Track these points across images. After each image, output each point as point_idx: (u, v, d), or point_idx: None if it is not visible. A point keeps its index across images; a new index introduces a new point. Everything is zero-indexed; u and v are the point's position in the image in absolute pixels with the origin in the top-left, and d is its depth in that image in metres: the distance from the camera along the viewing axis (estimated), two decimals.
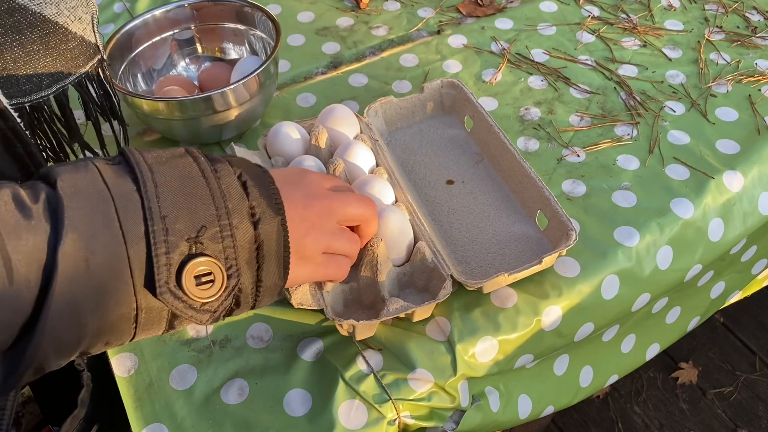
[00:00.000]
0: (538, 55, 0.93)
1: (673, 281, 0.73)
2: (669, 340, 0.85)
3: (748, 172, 0.77)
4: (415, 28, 1.00)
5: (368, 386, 0.61)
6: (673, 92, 0.87)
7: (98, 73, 0.63)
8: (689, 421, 1.41)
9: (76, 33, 0.57)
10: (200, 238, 0.42)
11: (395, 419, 0.60)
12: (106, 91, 0.66)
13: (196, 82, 0.90)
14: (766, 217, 0.77)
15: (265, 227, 0.45)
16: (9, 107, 0.47)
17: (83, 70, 0.61)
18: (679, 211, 0.73)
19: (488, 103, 0.87)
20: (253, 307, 0.47)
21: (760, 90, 0.86)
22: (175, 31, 0.89)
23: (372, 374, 0.62)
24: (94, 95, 0.65)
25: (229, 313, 0.46)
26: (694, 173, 0.77)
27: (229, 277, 0.43)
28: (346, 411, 0.60)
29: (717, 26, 0.96)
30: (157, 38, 0.88)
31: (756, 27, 0.96)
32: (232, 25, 0.90)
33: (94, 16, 0.60)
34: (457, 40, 0.96)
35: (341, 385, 0.61)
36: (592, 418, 1.42)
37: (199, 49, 0.91)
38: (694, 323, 0.87)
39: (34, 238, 0.37)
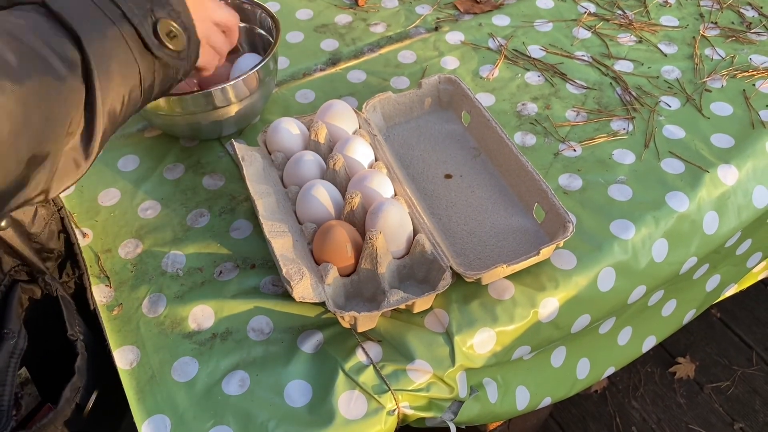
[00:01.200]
0: (535, 51, 0.94)
1: (669, 274, 0.74)
2: (665, 333, 0.86)
3: (743, 165, 0.77)
4: (413, 25, 1.00)
5: (368, 377, 0.62)
6: (669, 87, 0.88)
7: None
8: (687, 416, 1.42)
9: None
10: (154, 6, 0.54)
11: (394, 409, 0.61)
12: None
13: (194, 80, 0.90)
14: (761, 211, 0.78)
15: None
16: None
17: None
18: (675, 204, 0.74)
19: (485, 99, 0.87)
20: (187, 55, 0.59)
21: (754, 85, 0.87)
22: None
23: (371, 365, 0.63)
24: None
25: (195, 63, 0.60)
26: (689, 167, 0.77)
27: (184, 29, 0.56)
28: (346, 401, 0.61)
29: (712, 22, 0.97)
30: None
31: (750, 23, 0.97)
32: None
33: None
34: (454, 37, 0.97)
35: (341, 376, 0.62)
36: (590, 413, 1.43)
37: None
38: (689, 316, 0.88)
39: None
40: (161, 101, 0.78)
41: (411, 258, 0.68)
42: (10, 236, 0.63)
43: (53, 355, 0.65)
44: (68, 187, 0.52)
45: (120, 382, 0.63)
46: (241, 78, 0.77)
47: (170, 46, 0.55)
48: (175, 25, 0.56)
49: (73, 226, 0.72)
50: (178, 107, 0.78)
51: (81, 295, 0.69)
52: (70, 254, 0.70)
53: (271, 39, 0.85)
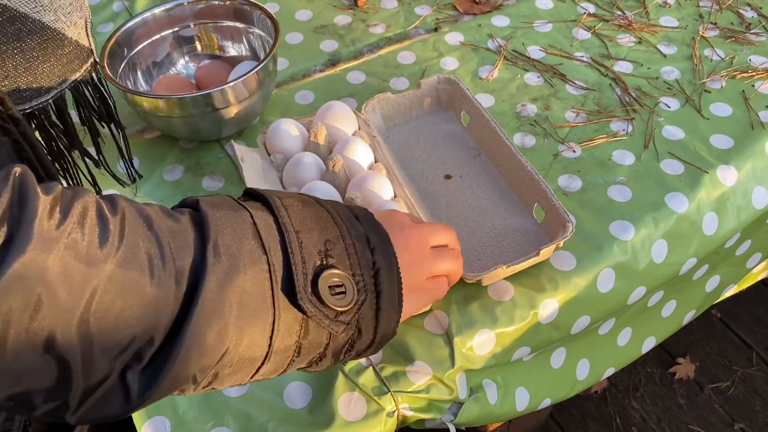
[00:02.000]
0: (534, 52, 0.94)
1: (668, 275, 0.74)
2: (665, 334, 0.86)
3: (742, 166, 0.77)
4: (413, 25, 1.00)
5: (367, 379, 0.62)
6: (668, 88, 0.88)
7: (92, 76, 0.64)
8: (687, 416, 1.42)
9: (71, 38, 0.58)
10: (329, 252, 0.45)
11: (394, 411, 0.61)
12: (101, 94, 0.66)
13: (193, 81, 0.91)
14: (760, 211, 0.78)
15: (380, 256, 0.48)
16: (17, 113, 0.48)
17: (78, 74, 0.61)
18: (674, 205, 0.74)
19: (485, 100, 0.87)
20: (372, 340, 0.49)
21: (753, 86, 0.87)
22: (175, 29, 0.89)
23: (371, 367, 0.63)
24: (90, 99, 0.65)
25: (353, 344, 0.48)
26: (689, 168, 0.77)
27: (358, 291, 0.46)
28: (346, 403, 0.61)
29: (711, 23, 0.97)
30: (157, 36, 0.88)
31: (750, 23, 0.97)
32: (231, 24, 0.90)
33: (88, 20, 0.60)
34: (454, 38, 0.97)
35: (340, 377, 0.62)
36: (590, 414, 1.43)
37: (199, 47, 0.92)
38: (689, 317, 0.88)
39: (183, 241, 0.41)
40: (160, 102, 0.78)
41: None
42: None
43: None
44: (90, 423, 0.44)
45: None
46: (241, 79, 0.77)
47: (330, 304, 0.45)
48: (349, 279, 0.46)
49: None
50: (177, 108, 0.78)
51: None
52: None
53: (270, 40, 0.85)
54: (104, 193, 0.77)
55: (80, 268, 0.35)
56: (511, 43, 0.96)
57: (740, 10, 0.99)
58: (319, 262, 0.45)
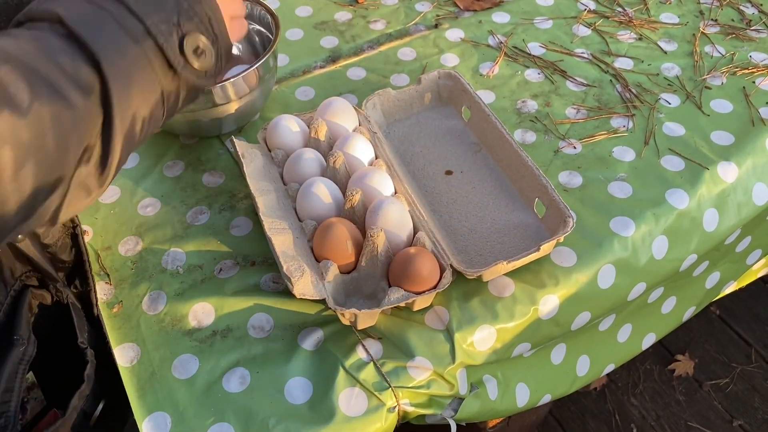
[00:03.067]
0: (535, 48, 0.94)
1: (669, 271, 0.74)
2: (665, 330, 0.86)
3: (743, 163, 0.77)
4: (413, 22, 1.00)
5: (368, 374, 0.62)
6: (669, 84, 0.88)
7: None
8: (686, 413, 1.42)
9: None
10: (180, 20, 0.50)
11: (395, 406, 0.61)
12: None
13: None
14: (760, 208, 0.78)
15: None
16: None
17: None
18: (674, 201, 0.74)
19: (485, 96, 0.87)
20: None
21: (754, 82, 0.87)
22: None
23: (372, 362, 0.63)
24: None
25: (220, 71, 0.55)
26: (689, 164, 0.77)
27: (212, 42, 0.52)
28: (347, 398, 0.61)
29: (712, 19, 0.97)
30: None
31: (750, 20, 0.97)
32: None
33: None
34: (454, 34, 0.97)
35: (341, 373, 0.62)
36: (589, 411, 1.43)
37: None
38: (689, 313, 0.88)
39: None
40: None
41: None
42: (24, 243, 0.63)
43: (60, 361, 0.65)
44: (77, 213, 0.49)
45: (124, 389, 0.63)
46: (241, 75, 0.77)
47: (196, 65, 0.51)
48: (204, 39, 0.52)
49: (85, 243, 0.71)
50: None
51: (85, 307, 0.69)
52: (80, 269, 0.69)
53: (270, 36, 0.85)
54: None
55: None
56: (512, 40, 0.95)
57: (741, 7, 0.99)
58: (177, 34, 0.50)
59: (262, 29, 0.88)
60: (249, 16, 0.89)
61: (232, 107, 0.80)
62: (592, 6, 1.01)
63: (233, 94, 0.78)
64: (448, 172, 0.78)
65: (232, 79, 0.77)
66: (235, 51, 0.91)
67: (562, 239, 0.67)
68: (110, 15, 0.47)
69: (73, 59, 0.45)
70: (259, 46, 0.90)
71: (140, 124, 0.50)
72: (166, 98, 0.51)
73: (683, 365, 1.48)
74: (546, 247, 0.66)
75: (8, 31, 0.46)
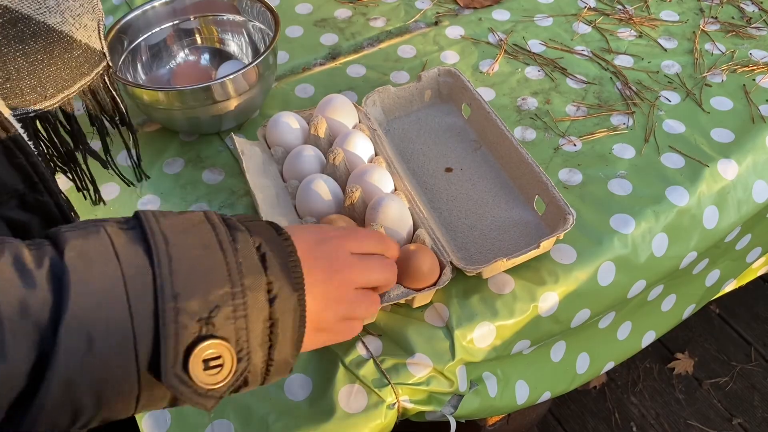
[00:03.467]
0: (535, 45, 0.94)
1: (669, 268, 0.74)
2: (664, 328, 0.86)
3: (743, 160, 0.77)
4: (413, 19, 1.00)
5: (368, 371, 0.62)
6: (669, 82, 0.88)
7: (104, 80, 0.62)
8: (685, 411, 1.42)
9: (80, 41, 0.56)
10: (212, 318, 0.39)
11: (394, 403, 0.61)
12: (112, 97, 0.65)
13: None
14: (760, 205, 0.78)
15: (281, 305, 0.42)
16: (11, 118, 0.47)
17: (88, 78, 0.60)
18: (674, 198, 0.74)
19: (485, 94, 0.87)
20: (262, 384, 0.44)
21: (754, 80, 0.87)
22: (175, 21, 0.89)
23: (371, 359, 0.63)
24: (99, 102, 0.64)
25: (236, 391, 0.43)
26: (689, 161, 0.77)
27: (239, 360, 0.40)
28: (346, 395, 0.61)
29: (712, 17, 0.97)
30: (157, 29, 0.88)
31: (750, 17, 0.97)
32: (231, 17, 0.90)
33: (101, 22, 0.59)
34: (454, 32, 0.97)
35: (341, 369, 0.62)
36: (588, 409, 1.43)
37: (199, 40, 0.92)
38: (689, 311, 0.88)
39: (34, 309, 0.35)
40: (160, 94, 0.78)
41: None
42: None
43: None
44: None
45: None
46: (241, 72, 0.77)
47: (199, 380, 0.39)
48: (231, 352, 0.39)
49: None
50: (177, 101, 0.78)
51: None
52: None
53: (270, 33, 0.85)
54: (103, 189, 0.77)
55: None
56: (512, 37, 0.95)
57: (741, 5, 0.99)
58: (197, 333, 0.38)
59: (262, 26, 0.88)
60: (248, 13, 0.89)
61: (232, 104, 0.79)
62: (593, 3, 1.00)
63: (233, 91, 0.78)
64: (448, 170, 0.78)
65: (231, 76, 0.77)
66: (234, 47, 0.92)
67: (561, 236, 0.67)
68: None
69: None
70: (259, 43, 0.90)
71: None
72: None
73: (683, 364, 1.48)
74: (546, 244, 0.66)
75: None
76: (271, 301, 0.41)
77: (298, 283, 0.43)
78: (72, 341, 0.35)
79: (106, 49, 0.60)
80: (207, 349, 0.38)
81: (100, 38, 0.59)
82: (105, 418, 0.39)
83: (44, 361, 0.35)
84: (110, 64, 0.62)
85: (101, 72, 0.61)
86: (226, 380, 0.40)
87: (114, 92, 0.64)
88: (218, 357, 0.39)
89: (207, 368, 0.39)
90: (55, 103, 0.58)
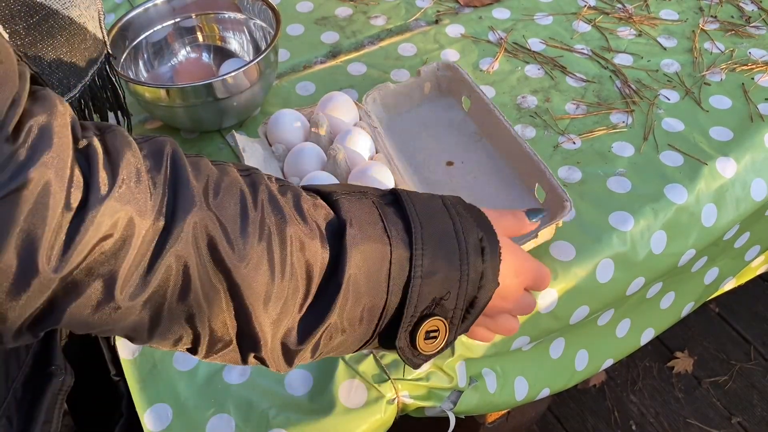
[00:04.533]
0: (535, 44, 0.94)
1: (667, 266, 0.74)
2: (663, 325, 0.86)
3: (741, 158, 0.78)
4: (414, 17, 1.00)
5: (368, 366, 0.62)
6: (668, 81, 0.88)
7: (105, 67, 0.63)
8: (684, 410, 1.43)
9: (91, 31, 0.58)
10: (443, 300, 0.46)
11: (394, 399, 0.62)
12: (113, 84, 0.66)
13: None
14: (759, 203, 0.78)
15: (484, 294, 0.48)
16: None
17: (96, 67, 0.61)
18: (673, 196, 0.74)
19: (486, 92, 0.87)
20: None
21: (753, 78, 0.87)
22: (177, 19, 0.90)
23: (371, 354, 0.63)
24: (103, 90, 0.65)
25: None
26: (688, 160, 0.78)
27: (449, 334, 0.48)
28: (346, 390, 0.61)
29: (711, 16, 0.97)
30: (159, 26, 0.89)
31: (750, 17, 0.97)
32: (232, 14, 0.91)
33: (101, 12, 0.60)
34: (454, 30, 0.97)
35: (341, 365, 0.62)
36: (588, 407, 1.44)
37: (200, 38, 0.92)
38: (688, 309, 0.88)
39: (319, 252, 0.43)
40: (161, 91, 0.78)
41: None
42: None
43: (88, 389, 0.64)
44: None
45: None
46: (242, 69, 0.77)
47: (421, 347, 0.47)
48: (446, 326, 0.48)
49: None
50: (178, 98, 0.78)
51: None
52: None
53: (271, 31, 0.86)
54: None
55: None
56: (512, 36, 0.96)
57: (740, 4, 0.99)
58: (429, 310, 0.46)
59: (264, 24, 0.88)
60: (250, 11, 0.89)
61: (233, 101, 0.80)
62: (592, 2, 1.01)
63: (234, 88, 0.79)
64: (449, 163, 0.78)
65: (233, 73, 0.77)
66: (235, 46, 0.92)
67: (560, 224, 0.67)
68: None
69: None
70: (261, 41, 0.90)
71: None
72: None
73: (682, 362, 1.49)
74: (545, 233, 0.66)
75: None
76: (479, 289, 0.48)
77: (496, 278, 0.49)
78: (344, 296, 0.43)
79: (106, 38, 0.62)
80: (431, 324, 0.46)
81: (101, 27, 0.60)
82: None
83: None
84: (110, 51, 0.63)
85: (103, 59, 0.62)
86: (438, 349, 0.48)
87: (114, 78, 0.66)
88: (436, 330, 0.47)
89: (427, 338, 0.47)
90: (76, 94, 0.59)
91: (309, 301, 0.42)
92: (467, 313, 0.49)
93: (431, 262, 0.45)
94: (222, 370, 0.63)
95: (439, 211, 0.48)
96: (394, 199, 0.48)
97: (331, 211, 0.44)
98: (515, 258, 0.53)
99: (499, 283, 0.49)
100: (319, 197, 0.45)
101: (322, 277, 0.43)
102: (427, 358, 0.49)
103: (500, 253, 0.49)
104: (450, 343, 0.49)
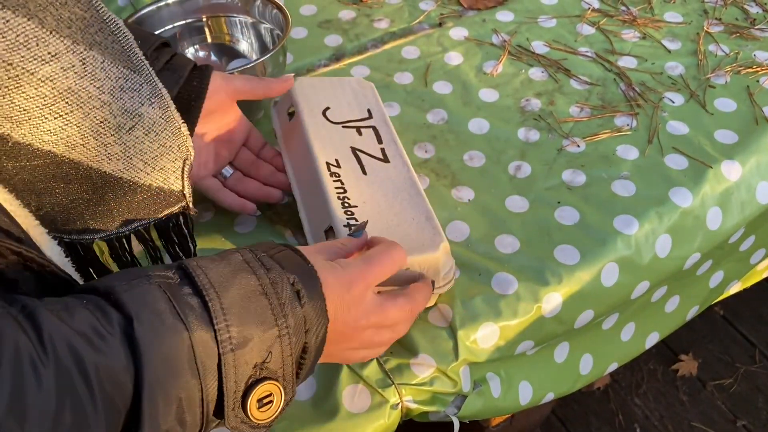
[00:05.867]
0: (539, 47, 0.94)
1: (672, 269, 0.74)
2: (668, 329, 0.86)
3: (746, 161, 0.77)
4: (417, 20, 1.00)
5: (371, 371, 0.62)
6: (672, 83, 0.88)
7: (177, 219, 0.60)
8: (689, 413, 1.42)
9: (148, 185, 0.54)
10: (266, 363, 0.43)
11: (398, 404, 0.61)
12: (183, 237, 0.62)
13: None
14: (764, 206, 0.78)
15: (314, 338, 0.46)
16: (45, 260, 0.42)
17: (154, 218, 0.57)
18: (678, 200, 0.74)
19: (489, 95, 0.88)
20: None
21: (758, 81, 0.87)
22: (188, 20, 0.90)
23: (375, 359, 0.63)
24: (167, 239, 0.62)
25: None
26: (693, 163, 0.77)
27: (285, 393, 0.45)
28: (350, 395, 0.61)
29: (716, 18, 0.97)
30: (169, 26, 0.89)
31: (755, 19, 0.97)
32: (241, 16, 0.91)
33: (187, 160, 0.56)
34: (458, 33, 0.97)
35: (345, 370, 0.62)
36: (592, 410, 1.43)
37: (209, 38, 0.93)
38: (693, 312, 0.88)
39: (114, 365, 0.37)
40: None
41: None
42: None
43: None
44: None
45: None
46: (250, 65, 0.77)
47: (256, 419, 0.43)
48: (281, 390, 0.44)
49: None
50: None
51: None
52: None
53: (279, 33, 0.86)
54: None
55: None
56: (516, 39, 0.96)
57: (745, 6, 0.99)
58: (253, 378, 0.43)
59: (272, 25, 0.88)
60: (258, 12, 0.89)
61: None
62: (596, 5, 1.01)
63: None
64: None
65: (239, 69, 0.77)
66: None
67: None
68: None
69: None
70: (270, 44, 0.90)
71: None
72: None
73: (687, 365, 1.48)
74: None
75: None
76: (306, 333, 0.45)
77: (325, 314, 0.47)
78: (151, 404, 0.38)
79: (187, 189, 0.58)
80: (261, 390, 0.43)
81: (182, 178, 0.57)
82: None
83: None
84: (189, 205, 0.59)
85: (177, 211, 0.59)
86: (276, 413, 0.44)
87: (187, 231, 0.62)
88: (269, 394, 0.43)
89: (260, 406, 0.43)
90: (108, 235, 0.56)
91: (122, 421, 0.38)
92: (301, 360, 0.46)
93: (240, 330, 0.41)
94: None
95: (239, 269, 0.44)
96: (183, 273, 0.43)
97: (120, 314, 0.39)
98: (343, 273, 0.49)
99: (328, 319, 0.47)
100: (101, 299, 0.40)
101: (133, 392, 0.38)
102: (270, 424, 0.45)
103: (320, 285, 0.47)
104: (291, 398, 0.46)
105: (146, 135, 0.53)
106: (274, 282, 0.44)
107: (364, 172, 0.68)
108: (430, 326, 0.65)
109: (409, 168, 0.69)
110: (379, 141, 0.71)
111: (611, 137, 0.81)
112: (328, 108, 0.73)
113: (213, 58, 0.93)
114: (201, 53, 0.92)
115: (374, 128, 0.72)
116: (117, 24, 0.51)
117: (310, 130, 0.70)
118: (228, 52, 0.93)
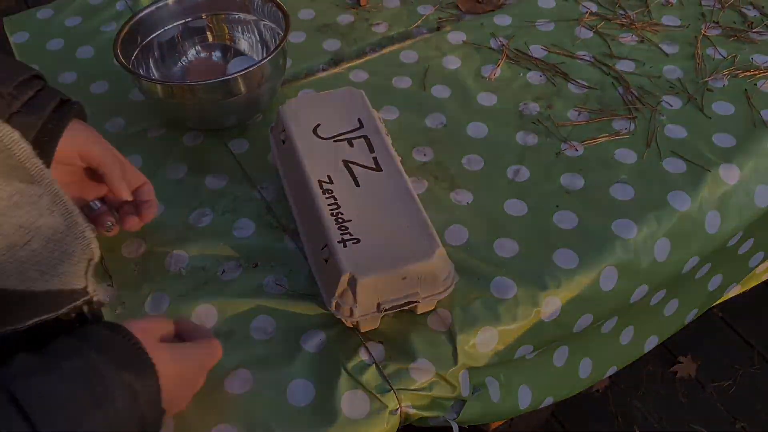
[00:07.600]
0: (537, 51, 0.94)
1: (671, 273, 0.74)
2: (667, 333, 0.86)
3: (745, 165, 0.78)
4: (415, 24, 1.00)
5: (370, 376, 0.62)
6: (670, 87, 0.88)
7: (80, 313, 0.56)
8: (688, 415, 1.42)
9: (48, 290, 0.51)
10: None
11: (397, 409, 0.61)
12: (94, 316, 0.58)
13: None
14: (763, 210, 0.78)
15: (154, 426, 0.49)
16: None
17: (54, 312, 0.53)
18: (676, 203, 0.74)
19: (488, 99, 0.88)
20: None
21: (756, 84, 0.87)
22: (187, 19, 0.90)
23: (374, 365, 0.63)
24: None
25: None
26: (691, 166, 0.78)
27: None
28: (349, 401, 0.61)
29: (713, 22, 0.97)
30: (170, 26, 0.89)
31: (752, 22, 0.97)
32: (242, 15, 0.91)
33: (92, 260, 0.53)
34: (456, 37, 0.97)
35: (344, 375, 0.62)
36: (591, 412, 1.43)
37: (210, 38, 0.93)
38: (691, 316, 0.88)
39: None
40: (174, 88, 0.80)
41: None
42: None
43: None
44: None
45: None
46: (251, 69, 0.77)
47: None
48: None
49: None
50: (202, 93, 0.79)
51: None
52: None
53: (280, 32, 0.86)
54: None
55: None
56: (514, 42, 0.96)
57: (743, 9, 0.99)
58: None
59: (273, 25, 0.88)
60: (258, 11, 0.89)
61: (240, 100, 0.80)
62: (594, 8, 1.01)
63: (242, 85, 0.79)
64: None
65: (241, 72, 0.77)
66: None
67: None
68: None
69: None
70: (270, 42, 0.90)
71: None
72: None
73: (686, 367, 1.48)
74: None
75: None
76: (147, 426, 0.48)
77: (159, 404, 0.49)
78: None
79: (91, 287, 0.54)
80: None
81: (86, 278, 0.53)
82: None
83: None
84: (95, 299, 0.55)
85: (80, 306, 0.55)
86: None
87: (94, 316, 0.57)
88: None
89: None
90: (14, 329, 0.52)
91: None
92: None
93: None
94: (224, 380, 0.63)
95: (72, 382, 0.43)
96: (9, 398, 0.41)
97: None
98: (171, 355, 0.53)
99: (165, 410, 0.49)
100: None
101: None
102: None
103: (156, 373, 0.48)
104: None
105: (44, 246, 0.50)
106: (110, 388, 0.46)
107: (357, 184, 0.68)
108: (429, 331, 0.65)
109: (402, 174, 0.69)
110: (371, 150, 0.71)
111: (609, 141, 0.81)
112: (318, 125, 0.73)
113: (215, 59, 0.93)
114: (203, 54, 0.92)
115: (365, 137, 0.72)
116: (11, 136, 0.48)
117: (302, 152, 0.71)
118: (229, 51, 0.94)
